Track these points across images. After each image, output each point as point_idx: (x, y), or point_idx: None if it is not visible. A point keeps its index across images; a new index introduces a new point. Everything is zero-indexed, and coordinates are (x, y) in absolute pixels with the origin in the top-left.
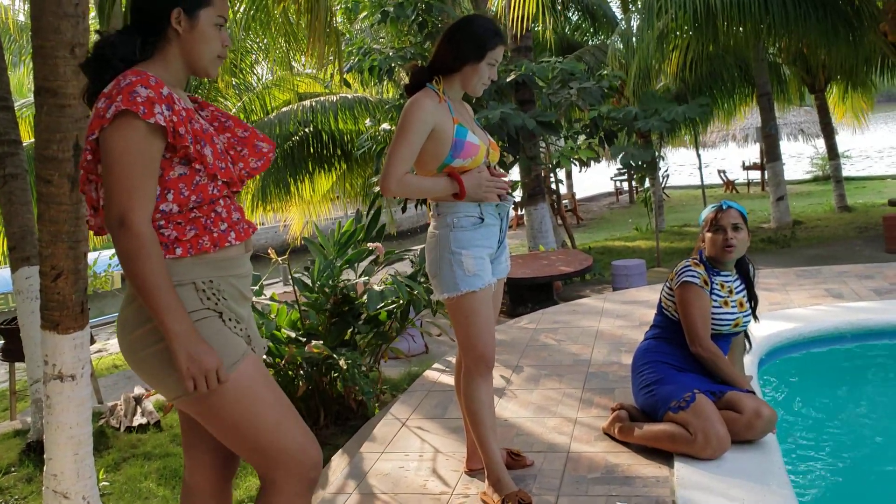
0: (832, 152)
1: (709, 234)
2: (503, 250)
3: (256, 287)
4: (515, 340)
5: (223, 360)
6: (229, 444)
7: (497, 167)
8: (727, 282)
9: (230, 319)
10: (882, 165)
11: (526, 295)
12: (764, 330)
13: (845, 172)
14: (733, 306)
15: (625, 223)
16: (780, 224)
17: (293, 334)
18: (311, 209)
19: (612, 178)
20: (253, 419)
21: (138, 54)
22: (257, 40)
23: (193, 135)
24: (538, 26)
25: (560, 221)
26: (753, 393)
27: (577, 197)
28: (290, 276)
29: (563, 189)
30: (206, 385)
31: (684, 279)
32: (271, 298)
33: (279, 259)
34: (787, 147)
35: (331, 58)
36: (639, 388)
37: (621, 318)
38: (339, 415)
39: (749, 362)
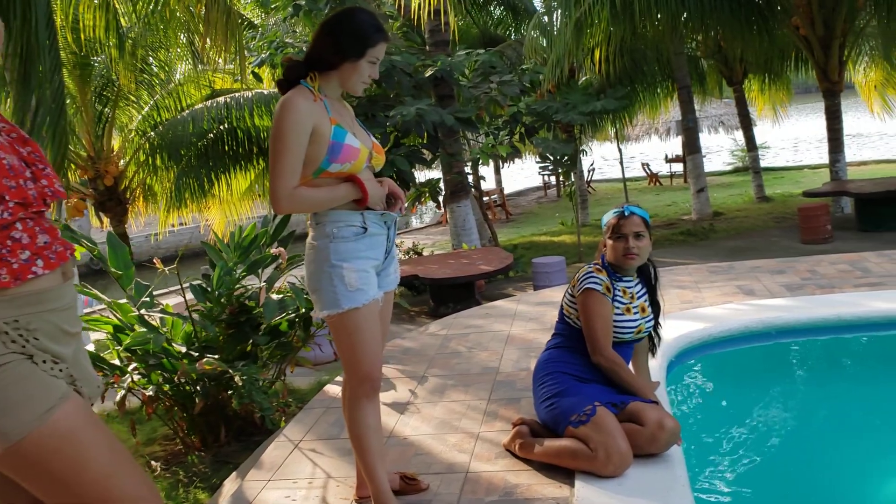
0: (750, 144)
1: (610, 242)
2: (391, 261)
3: (148, 298)
4: (424, 348)
5: (32, 407)
6: (53, 502)
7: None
8: (629, 287)
9: (44, 361)
10: (802, 155)
11: (447, 295)
12: (673, 331)
13: (765, 163)
14: (635, 312)
15: (552, 217)
16: (701, 215)
17: (184, 349)
18: (233, 208)
19: (539, 173)
20: (78, 471)
21: None
22: (169, 35)
23: None
24: (460, 20)
25: (490, 217)
26: (657, 403)
27: (507, 192)
28: (182, 285)
29: (488, 185)
30: None
31: (586, 286)
32: (163, 310)
33: (165, 269)
34: (708, 139)
35: (233, 50)
36: (540, 401)
37: (533, 320)
38: (243, 430)
39: (657, 366)
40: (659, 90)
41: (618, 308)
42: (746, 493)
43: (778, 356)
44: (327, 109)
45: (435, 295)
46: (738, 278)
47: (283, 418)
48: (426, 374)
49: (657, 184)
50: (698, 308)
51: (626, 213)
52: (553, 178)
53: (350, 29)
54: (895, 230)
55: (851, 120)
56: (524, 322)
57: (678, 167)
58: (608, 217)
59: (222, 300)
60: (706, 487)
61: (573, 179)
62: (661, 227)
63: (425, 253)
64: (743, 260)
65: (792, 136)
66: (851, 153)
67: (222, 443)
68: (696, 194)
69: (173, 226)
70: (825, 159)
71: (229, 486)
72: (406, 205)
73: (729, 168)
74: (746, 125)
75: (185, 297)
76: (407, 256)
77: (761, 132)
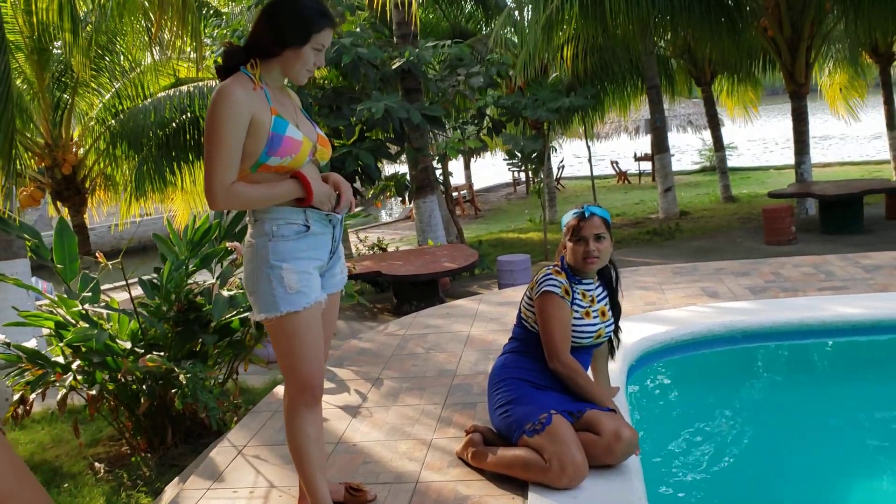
0: (718, 144)
1: (570, 244)
2: (337, 261)
3: (91, 293)
4: (381, 349)
5: None
6: None
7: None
8: (589, 290)
9: None
10: (769, 156)
11: (410, 292)
12: (635, 334)
13: (732, 163)
14: (595, 317)
15: (521, 214)
16: (668, 214)
17: (129, 346)
18: (197, 200)
19: (509, 169)
20: None
21: None
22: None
23: None
24: (431, 14)
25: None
26: (616, 411)
27: (476, 188)
28: (127, 280)
29: (457, 180)
30: None
31: (544, 288)
32: (107, 306)
33: (108, 263)
34: (676, 138)
35: (188, 37)
36: (494, 407)
37: (494, 321)
38: (191, 431)
39: (618, 370)
40: (628, 89)
41: (577, 312)
42: None
43: (741, 361)
44: (267, 99)
45: (398, 292)
46: (702, 280)
47: (235, 418)
48: (381, 376)
49: (626, 182)
50: (661, 310)
51: (587, 214)
52: (523, 175)
53: (293, 13)
54: (857, 233)
55: (818, 122)
56: (485, 323)
57: (647, 166)
58: (567, 218)
59: (171, 296)
60: (665, 500)
61: (541, 176)
62: (627, 226)
63: (390, 248)
64: (707, 260)
65: (760, 137)
66: (817, 155)
67: (169, 445)
68: (663, 193)
69: (136, 217)
70: (791, 160)
71: (170, 492)
72: (354, 203)
73: (696, 167)
74: (714, 125)
75: (130, 292)
76: (371, 252)
77: (729, 132)
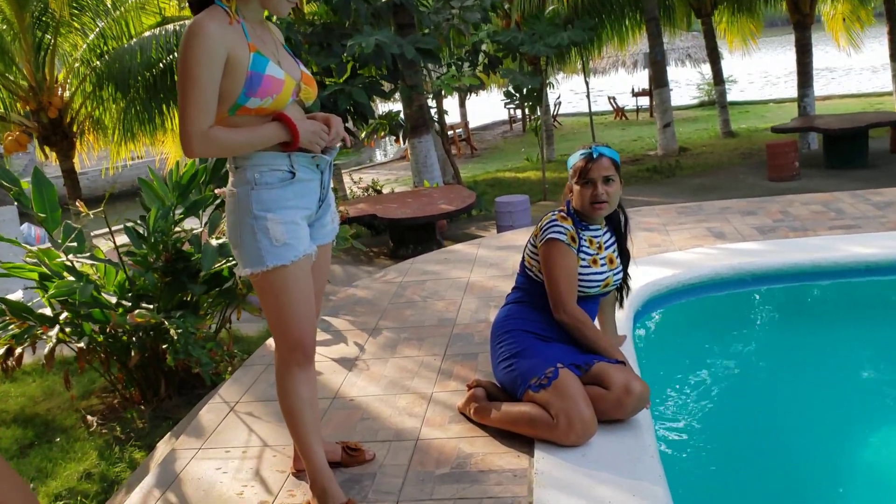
0: (717, 78)
1: (576, 187)
2: (327, 209)
3: (75, 243)
4: (377, 298)
5: None
6: None
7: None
8: (596, 237)
9: None
10: (769, 90)
11: (407, 236)
12: (640, 278)
13: (731, 97)
14: (602, 264)
15: (518, 153)
16: (667, 151)
17: (114, 299)
18: None
19: (505, 106)
20: None
21: None
22: None
23: None
24: None
25: (455, 153)
26: (625, 363)
27: (472, 126)
28: (111, 229)
29: (452, 118)
30: None
31: (549, 235)
32: (93, 256)
33: (89, 212)
34: (674, 72)
35: None
36: (497, 361)
37: (494, 266)
38: (185, 382)
39: (623, 317)
40: (627, 22)
41: (583, 260)
42: (719, 457)
43: (750, 304)
44: (245, 34)
45: (394, 236)
46: (707, 220)
47: (230, 369)
48: (378, 326)
49: (623, 118)
50: (666, 252)
51: (595, 155)
52: (519, 112)
53: None
54: (862, 167)
55: (819, 53)
56: (484, 268)
57: (644, 101)
58: (574, 159)
59: (158, 246)
60: (676, 455)
61: (539, 114)
62: (627, 163)
63: (385, 190)
64: (709, 198)
65: (759, 70)
66: (817, 87)
67: (163, 397)
68: (662, 129)
69: (127, 160)
70: (790, 93)
71: (161, 449)
72: (349, 137)
73: (695, 102)
74: (714, 58)
75: (114, 241)
76: (365, 194)
77: (728, 65)
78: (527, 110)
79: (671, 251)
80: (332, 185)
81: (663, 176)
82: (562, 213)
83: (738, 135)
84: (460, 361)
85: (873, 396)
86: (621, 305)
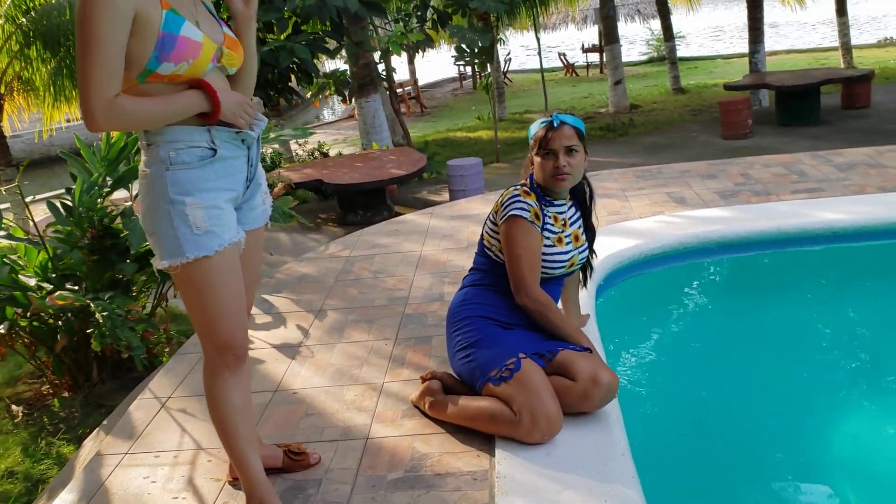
0: (668, 33)
1: (538, 159)
2: (256, 190)
3: None
4: (323, 274)
5: None
6: None
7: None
8: (561, 213)
9: None
10: (717, 45)
11: (356, 201)
12: (602, 250)
13: (679, 53)
14: (568, 243)
15: (468, 111)
16: (618, 108)
17: (35, 281)
18: None
19: (455, 63)
20: None
21: None
22: None
23: None
24: None
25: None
26: (591, 350)
27: (421, 83)
28: (27, 203)
29: (401, 76)
30: None
31: (511, 212)
32: (9, 235)
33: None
34: (624, 28)
35: None
36: (454, 351)
37: (447, 238)
38: (120, 365)
39: (585, 293)
40: None
41: (548, 239)
42: (694, 446)
43: (716, 275)
44: None
45: (342, 201)
46: (667, 184)
47: (167, 350)
48: (324, 306)
49: (574, 75)
50: (627, 221)
51: (556, 124)
52: (469, 69)
53: None
54: (813, 124)
55: (765, 8)
56: (437, 240)
57: (594, 57)
58: (535, 128)
59: (84, 224)
60: (648, 448)
61: (489, 71)
62: None
63: (332, 152)
64: (663, 157)
65: (705, 26)
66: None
67: (95, 381)
68: (613, 86)
69: (62, 123)
70: (737, 49)
71: (88, 449)
72: (262, 116)
73: (644, 58)
74: (664, 14)
75: (31, 217)
76: (311, 158)
77: (676, 21)
78: (476, 67)
79: (632, 219)
80: (280, 153)
81: (616, 134)
82: (524, 188)
83: (688, 91)
84: (413, 346)
85: (843, 367)
86: (585, 286)
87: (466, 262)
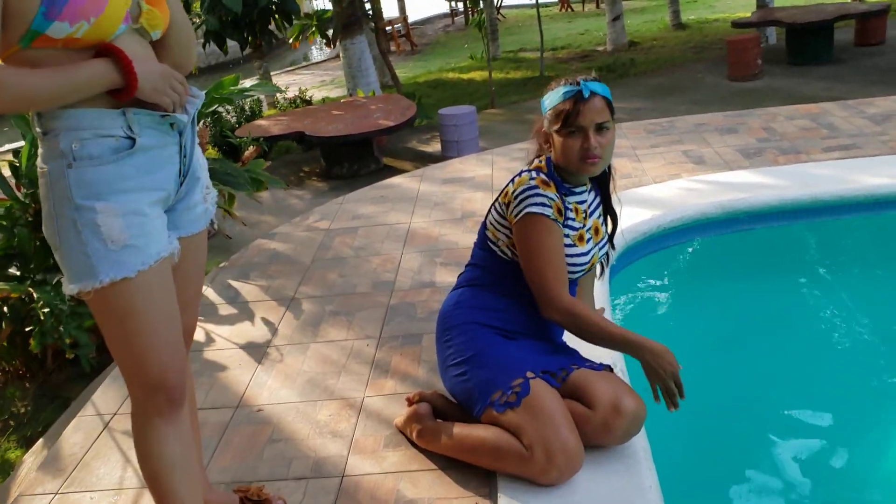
0: None
1: (559, 137)
2: (195, 185)
3: None
4: (298, 252)
5: None
6: None
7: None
8: (582, 203)
9: None
10: None
11: (342, 153)
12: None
13: None
14: (588, 240)
15: (461, 49)
16: (617, 46)
17: None
18: None
19: None
20: None
21: None
22: None
23: None
24: None
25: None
26: (611, 369)
27: (411, 20)
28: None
29: (390, 12)
30: None
31: (530, 209)
32: None
33: None
34: None
35: None
36: (446, 366)
37: (439, 207)
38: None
39: (598, 281)
40: None
41: (567, 237)
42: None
43: (744, 249)
44: None
45: (327, 154)
46: (682, 140)
47: None
48: (297, 295)
49: (569, 9)
50: (641, 187)
51: (586, 95)
52: (460, 5)
53: None
54: (826, 63)
55: None
56: (428, 209)
57: None
58: (555, 98)
59: (27, 198)
60: (681, 478)
61: (482, 7)
62: (576, 60)
63: (318, 95)
64: (669, 100)
65: None
66: None
67: (50, 368)
68: (611, 23)
69: None
70: None
71: (28, 466)
72: (196, 92)
73: None
74: None
75: None
76: (293, 106)
77: None
78: (468, 3)
79: (646, 184)
80: (259, 100)
81: (617, 75)
82: (542, 178)
83: (688, 27)
84: (400, 348)
85: (884, 344)
86: (601, 276)
87: (461, 236)
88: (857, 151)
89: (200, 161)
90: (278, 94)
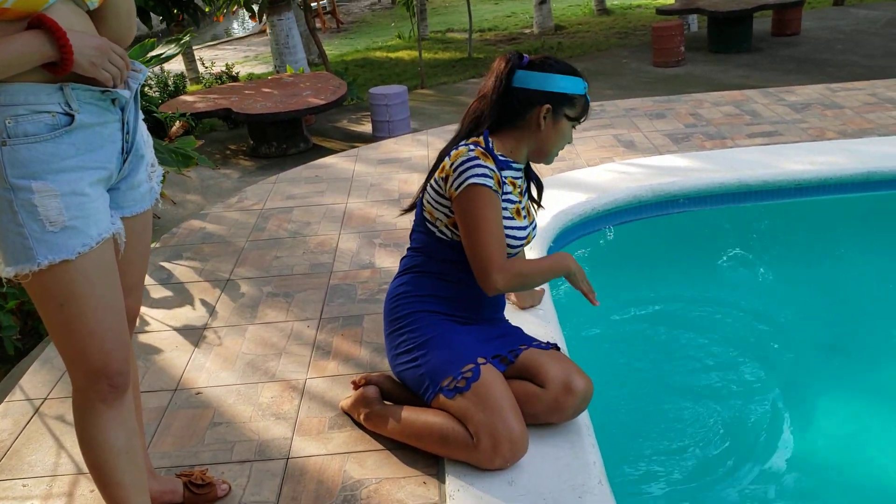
0: None
1: (562, 124)
2: (139, 163)
3: None
4: (232, 233)
5: None
6: None
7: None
8: (517, 178)
9: None
10: None
11: (270, 132)
12: (550, 205)
13: None
14: (524, 216)
15: (388, 28)
16: (543, 29)
17: None
18: None
19: None
20: None
21: None
22: None
23: None
24: None
25: (320, 27)
26: (557, 347)
27: None
28: None
29: None
30: None
31: (471, 179)
32: None
33: None
34: None
35: None
36: (395, 353)
37: (375, 188)
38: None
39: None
40: None
41: (505, 210)
42: (674, 449)
43: (675, 231)
44: None
45: (255, 132)
46: (613, 124)
47: None
48: (233, 276)
49: None
50: (575, 170)
51: (588, 99)
52: None
53: None
54: (746, 51)
55: None
56: (363, 190)
57: None
58: (574, 86)
59: None
60: (624, 459)
61: None
62: (503, 43)
63: (244, 71)
64: (595, 84)
65: None
66: None
67: None
68: (538, 6)
69: None
70: None
71: None
72: (139, 66)
73: None
74: None
75: None
76: (219, 82)
77: None
78: None
79: (579, 168)
80: (183, 76)
81: None
82: (481, 149)
83: (612, 12)
84: (341, 329)
85: (816, 327)
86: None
87: (399, 218)
88: (778, 138)
89: (144, 138)
90: (202, 69)
